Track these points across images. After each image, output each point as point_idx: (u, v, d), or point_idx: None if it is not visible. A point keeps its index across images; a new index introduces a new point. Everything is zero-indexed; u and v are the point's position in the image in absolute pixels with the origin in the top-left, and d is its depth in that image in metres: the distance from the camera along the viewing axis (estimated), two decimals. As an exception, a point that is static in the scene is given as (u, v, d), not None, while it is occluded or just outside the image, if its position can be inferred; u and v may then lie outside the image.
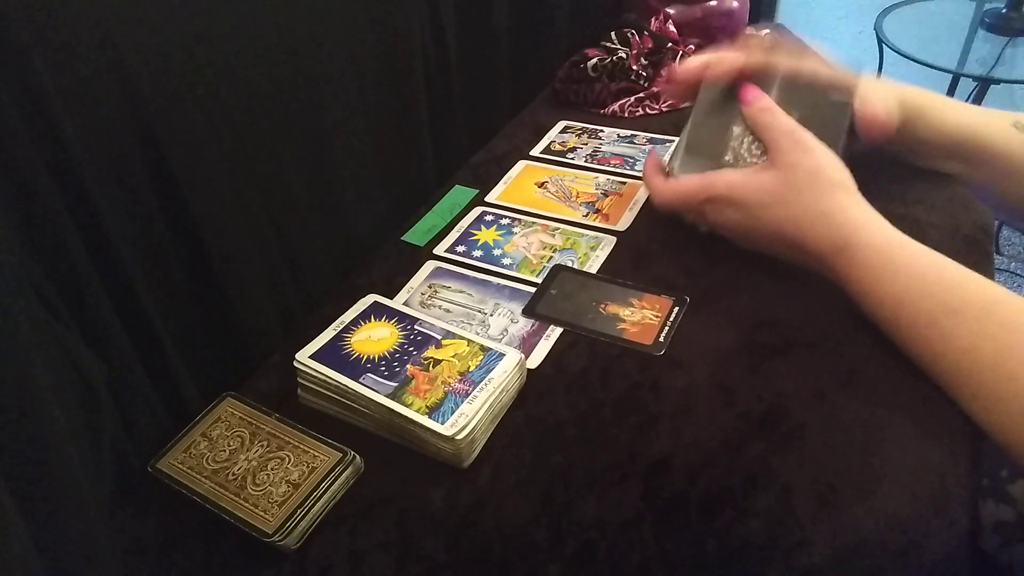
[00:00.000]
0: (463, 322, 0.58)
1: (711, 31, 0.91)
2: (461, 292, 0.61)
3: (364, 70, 0.65)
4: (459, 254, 0.66)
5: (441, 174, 0.78)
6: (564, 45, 0.93)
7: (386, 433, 0.50)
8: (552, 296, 0.60)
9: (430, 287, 0.62)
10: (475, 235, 0.68)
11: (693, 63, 0.62)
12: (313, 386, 0.52)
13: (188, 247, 0.52)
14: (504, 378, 0.50)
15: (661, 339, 0.55)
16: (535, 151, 0.79)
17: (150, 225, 0.49)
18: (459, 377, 0.50)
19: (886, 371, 0.50)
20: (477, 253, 0.65)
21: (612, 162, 0.76)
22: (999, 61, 1.59)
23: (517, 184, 0.74)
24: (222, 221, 0.53)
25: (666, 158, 0.64)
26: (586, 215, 0.69)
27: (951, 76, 1.71)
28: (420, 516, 0.46)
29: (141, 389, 0.50)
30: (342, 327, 0.56)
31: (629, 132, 0.81)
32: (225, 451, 0.49)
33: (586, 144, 0.79)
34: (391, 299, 0.59)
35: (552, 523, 0.44)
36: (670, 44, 0.87)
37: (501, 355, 0.52)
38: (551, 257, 0.64)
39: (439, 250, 0.67)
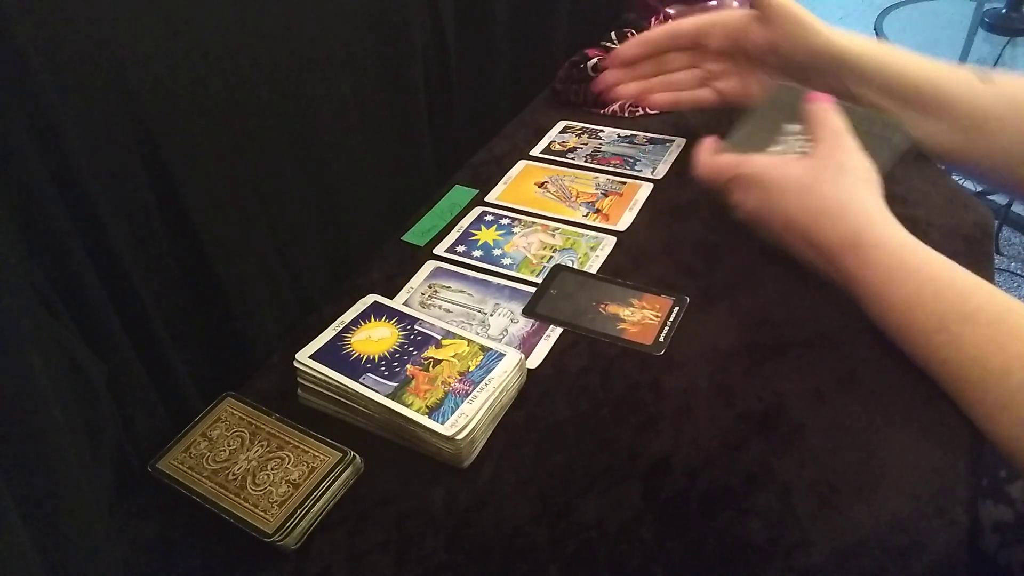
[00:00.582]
0: (463, 322, 0.58)
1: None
2: (461, 292, 0.61)
3: (363, 70, 0.65)
4: (459, 254, 0.66)
5: (441, 174, 0.78)
6: (564, 45, 0.93)
7: (386, 433, 0.50)
8: (552, 296, 0.60)
9: (430, 287, 0.62)
10: (475, 235, 0.68)
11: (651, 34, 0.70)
12: (313, 386, 0.52)
13: (187, 247, 0.52)
14: (504, 378, 0.50)
15: (661, 339, 0.55)
16: (535, 151, 0.79)
17: (149, 225, 0.49)
18: (459, 377, 0.50)
19: (886, 371, 0.50)
20: (477, 253, 0.65)
21: (612, 162, 0.76)
22: (999, 61, 1.59)
23: (517, 184, 0.74)
24: (220, 221, 0.53)
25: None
26: (586, 215, 0.69)
27: (951, 76, 1.70)
28: (420, 516, 0.46)
29: (141, 389, 0.50)
30: (342, 327, 0.56)
31: (629, 132, 0.81)
32: (225, 451, 0.49)
33: (586, 144, 0.79)
34: (391, 299, 0.59)
35: (552, 523, 0.44)
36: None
37: (501, 355, 0.52)
38: (551, 257, 0.64)
39: (439, 250, 0.67)
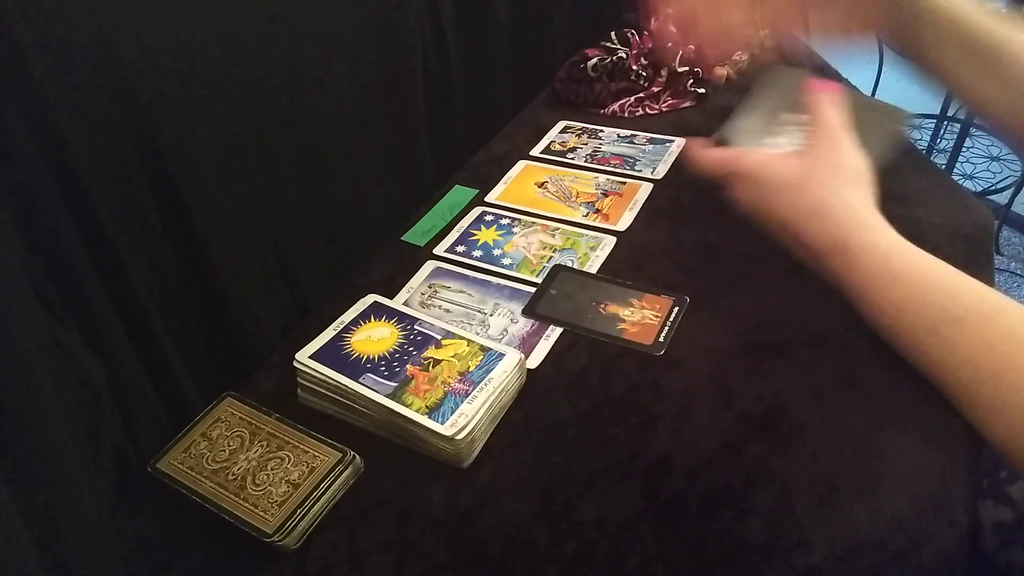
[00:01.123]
0: (463, 322, 0.58)
1: (711, 31, 0.91)
2: (461, 292, 0.61)
3: (363, 70, 0.65)
4: (459, 254, 0.66)
5: (441, 174, 0.78)
6: (564, 45, 0.93)
7: (386, 433, 0.50)
8: (552, 296, 0.60)
9: (430, 287, 0.62)
10: (475, 235, 0.68)
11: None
12: (313, 386, 0.52)
13: (186, 247, 0.52)
14: (504, 378, 0.50)
15: (661, 339, 0.55)
16: (535, 151, 0.79)
17: (149, 225, 0.49)
18: (459, 377, 0.50)
19: (886, 371, 0.50)
20: (477, 253, 0.65)
21: (612, 162, 0.76)
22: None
23: (517, 184, 0.74)
24: (219, 221, 0.53)
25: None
26: (586, 215, 0.69)
27: (951, 76, 1.70)
28: (420, 516, 0.46)
29: (141, 389, 0.50)
30: (342, 327, 0.56)
31: (629, 132, 0.81)
32: (225, 451, 0.49)
33: (586, 144, 0.79)
34: (391, 299, 0.59)
35: (552, 523, 0.44)
36: (670, 44, 0.87)
37: (501, 355, 0.52)
38: (551, 257, 0.64)
39: (439, 250, 0.67)
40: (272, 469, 0.48)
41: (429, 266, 0.65)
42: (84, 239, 0.44)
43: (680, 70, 0.84)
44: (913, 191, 0.65)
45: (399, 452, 0.49)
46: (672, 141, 0.78)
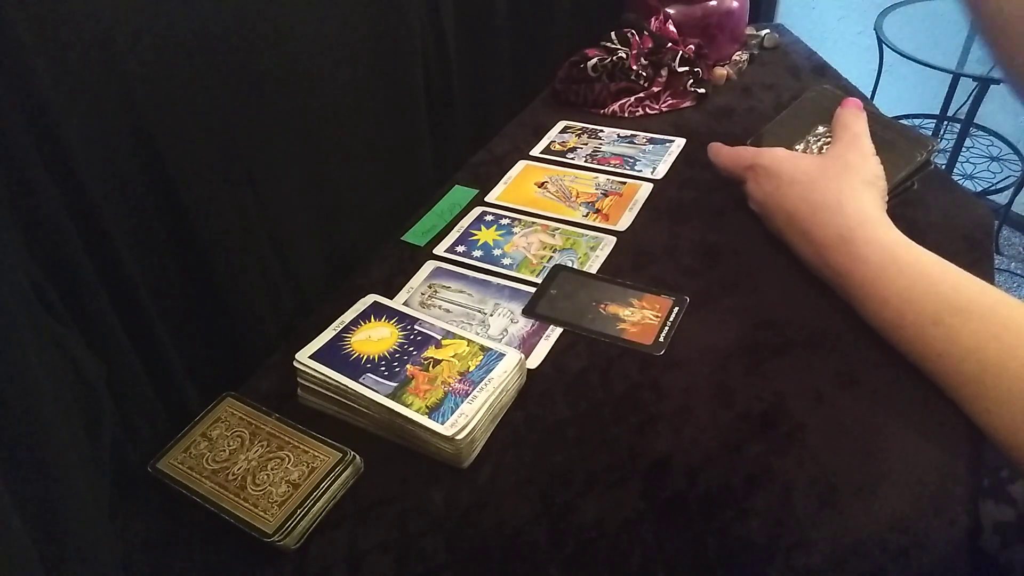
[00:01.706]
0: (463, 322, 0.58)
1: (711, 31, 0.91)
2: (461, 292, 0.61)
3: (363, 70, 0.65)
4: (459, 254, 0.66)
5: (441, 174, 0.78)
6: (564, 45, 0.93)
7: (386, 433, 0.50)
8: (552, 296, 0.60)
9: (430, 287, 0.62)
10: (475, 235, 0.68)
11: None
12: (313, 386, 0.52)
13: (186, 247, 0.52)
14: (504, 378, 0.50)
15: (661, 339, 0.55)
16: (535, 151, 0.79)
17: (149, 225, 0.49)
18: (459, 377, 0.50)
19: (886, 371, 0.50)
20: (477, 253, 0.65)
21: (612, 162, 0.76)
22: (999, 61, 1.59)
23: (517, 184, 0.74)
24: (219, 221, 0.53)
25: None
26: (586, 215, 0.69)
27: (951, 76, 1.71)
28: (420, 516, 0.46)
29: (141, 389, 0.50)
30: (342, 327, 0.56)
31: (629, 132, 0.81)
32: (225, 451, 0.49)
33: (586, 144, 0.79)
34: (391, 299, 0.59)
35: (552, 523, 0.44)
36: (670, 44, 0.87)
37: (501, 355, 0.52)
38: (551, 257, 0.64)
39: (439, 250, 0.67)
40: (272, 469, 0.48)
41: (429, 266, 0.65)
42: (84, 239, 0.44)
43: (680, 70, 0.84)
44: (913, 191, 0.65)
45: (399, 452, 0.49)
46: (672, 141, 0.78)
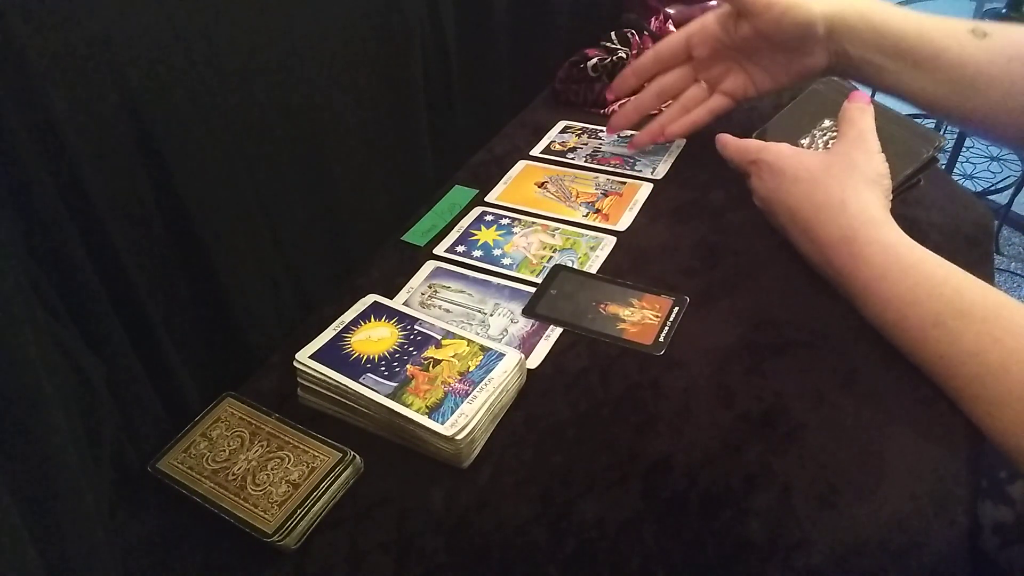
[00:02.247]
0: (463, 322, 0.58)
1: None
2: (461, 292, 0.61)
3: (363, 70, 0.65)
4: (459, 254, 0.66)
5: (441, 174, 0.78)
6: (564, 45, 0.93)
7: (386, 433, 0.50)
8: (552, 296, 0.60)
9: (430, 287, 0.62)
10: (475, 235, 0.68)
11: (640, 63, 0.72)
12: (313, 386, 0.52)
13: (187, 247, 0.52)
14: (504, 378, 0.50)
15: (661, 339, 0.55)
16: (535, 151, 0.79)
17: (149, 225, 0.49)
18: (459, 377, 0.50)
19: (886, 371, 0.50)
20: (477, 253, 0.65)
21: (612, 162, 0.76)
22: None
23: (517, 184, 0.74)
24: (220, 221, 0.53)
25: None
26: (586, 215, 0.69)
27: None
28: (420, 516, 0.46)
29: (141, 389, 0.50)
30: (342, 327, 0.56)
31: (629, 132, 0.80)
32: (225, 451, 0.49)
33: (586, 144, 0.79)
34: (391, 299, 0.59)
35: (552, 523, 0.44)
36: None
37: (501, 355, 0.52)
38: (551, 257, 0.64)
39: (439, 250, 0.67)
40: (272, 469, 0.48)
41: (429, 266, 0.65)
42: (84, 239, 0.44)
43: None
44: (913, 191, 0.65)
45: (399, 452, 0.49)
46: (672, 141, 0.78)
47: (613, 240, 0.65)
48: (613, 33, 0.87)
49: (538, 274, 0.62)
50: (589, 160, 0.76)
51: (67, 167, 0.42)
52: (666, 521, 0.43)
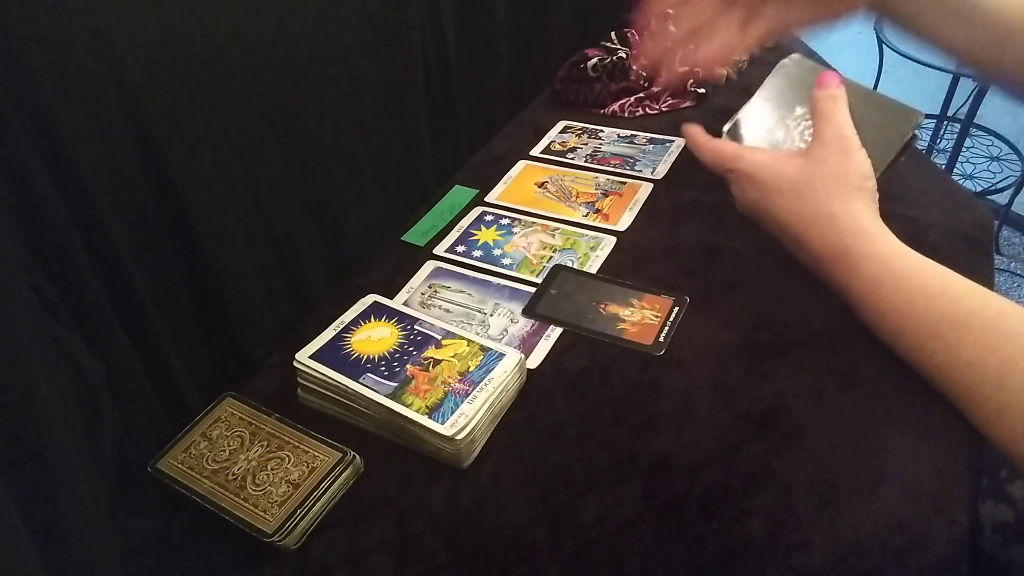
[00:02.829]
0: (463, 322, 0.58)
1: (711, 31, 0.91)
2: (461, 292, 0.61)
3: (363, 70, 0.65)
4: (459, 254, 0.66)
5: (440, 174, 0.78)
6: (564, 45, 0.93)
7: (386, 433, 0.50)
8: (552, 296, 0.60)
9: (430, 287, 0.62)
10: (475, 235, 0.68)
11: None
12: (313, 386, 0.52)
13: (186, 248, 0.52)
14: (504, 378, 0.50)
15: (661, 339, 0.55)
16: (535, 151, 0.79)
17: (149, 225, 0.49)
18: (459, 377, 0.50)
19: (886, 371, 0.50)
20: (477, 253, 0.65)
21: (612, 162, 0.76)
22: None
23: (517, 184, 0.74)
24: (219, 221, 0.53)
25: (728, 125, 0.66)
26: (586, 215, 0.69)
27: (951, 76, 1.71)
28: (420, 516, 0.46)
29: (141, 389, 0.50)
30: (342, 327, 0.56)
31: (629, 132, 0.81)
32: (225, 451, 0.49)
33: (586, 144, 0.79)
34: (391, 299, 0.59)
35: (552, 523, 0.44)
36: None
37: (501, 355, 0.52)
38: (551, 257, 0.64)
39: (439, 250, 0.67)
40: (272, 469, 0.48)
41: (429, 266, 0.65)
42: (84, 239, 0.44)
43: (680, 70, 0.84)
44: (913, 191, 0.65)
45: (399, 452, 0.49)
46: (672, 141, 0.78)
47: (613, 240, 0.65)
48: (613, 33, 0.87)
49: (538, 274, 0.62)
50: (589, 160, 0.76)
51: (67, 167, 0.42)
52: (666, 521, 0.43)
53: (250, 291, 0.57)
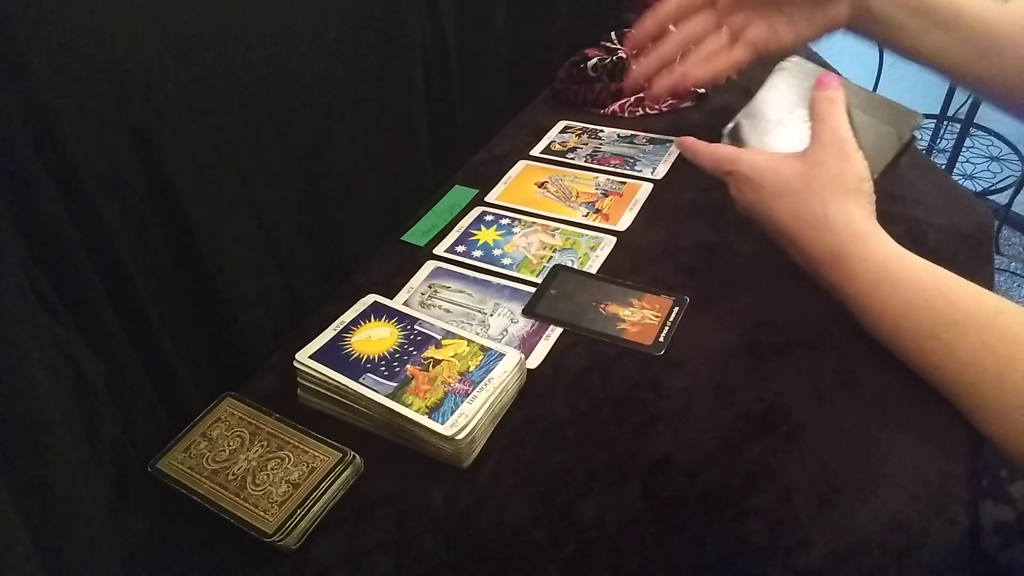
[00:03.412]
0: (463, 322, 0.58)
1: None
2: (461, 292, 0.61)
3: (363, 70, 0.65)
4: (459, 254, 0.66)
5: (440, 174, 0.78)
6: (564, 45, 0.93)
7: (386, 433, 0.50)
8: (552, 296, 0.60)
9: (430, 287, 0.62)
10: (475, 235, 0.68)
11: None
12: (313, 386, 0.52)
13: (185, 248, 0.52)
14: (504, 378, 0.50)
15: (661, 339, 0.55)
16: (535, 151, 0.79)
17: (147, 225, 0.49)
18: (459, 377, 0.50)
19: (886, 371, 0.50)
20: (477, 253, 0.65)
21: (612, 162, 0.76)
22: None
23: (517, 184, 0.74)
24: (217, 221, 0.53)
25: (729, 126, 0.66)
26: (586, 215, 0.69)
27: (951, 76, 1.69)
28: (420, 516, 0.46)
29: (141, 389, 0.50)
30: (342, 327, 0.56)
31: (629, 132, 0.81)
32: (225, 451, 0.49)
33: (586, 144, 0.79)
34: (391, 299, 0.59)
35: (552, 523, 0.44)
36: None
37: (501, 355, 0.52)
38: (551, 257, 0.64)
39: (439, 250, 0.67)
40: (272, 469, 0.48)
41: (429, 266, 0.65)
42: (83, 239, 0.44)
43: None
44: (913, 191, 0.65)
45: (399, 452, 0.49)
46: (672, 141, 0.78)
47: (613, 240, 0.65)
48: (613, 33, 0.87)
49: (538, 274, 0.62)
50: (589, 160, 0.76)
51: (67, 168, 0.42)
52: (666, 521, 0.43)
53: (250, 291, 0.57)
